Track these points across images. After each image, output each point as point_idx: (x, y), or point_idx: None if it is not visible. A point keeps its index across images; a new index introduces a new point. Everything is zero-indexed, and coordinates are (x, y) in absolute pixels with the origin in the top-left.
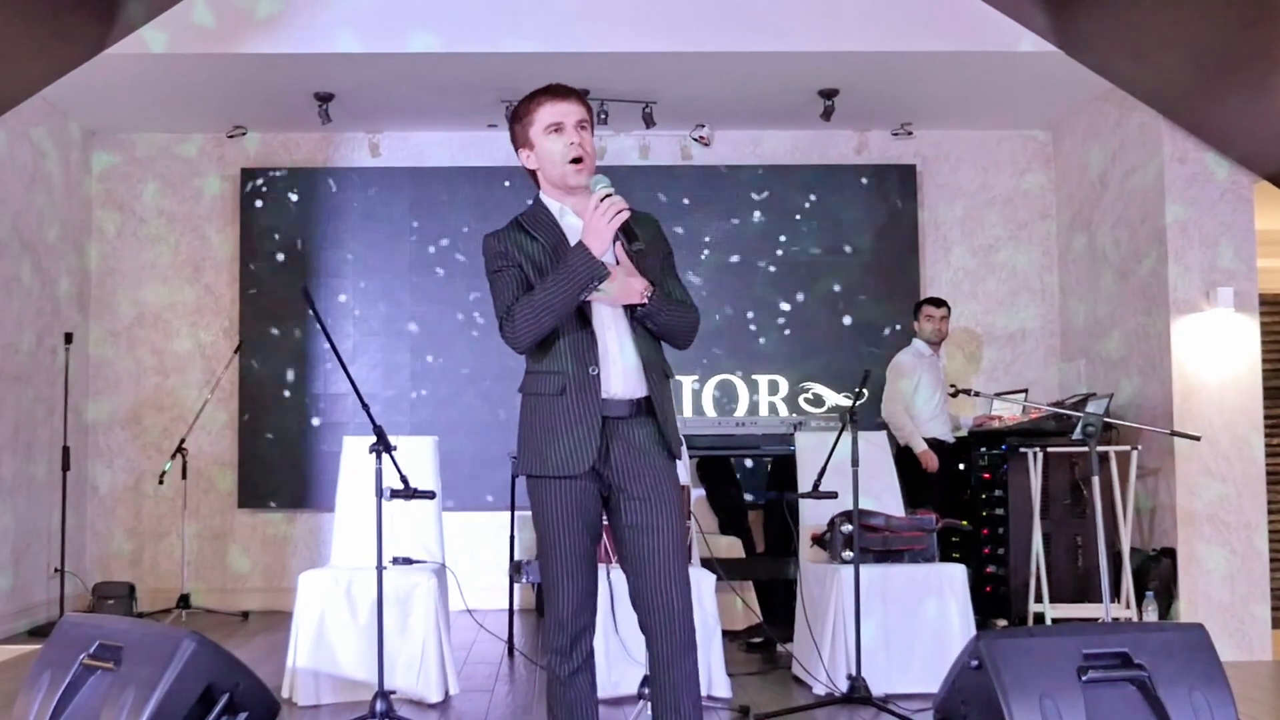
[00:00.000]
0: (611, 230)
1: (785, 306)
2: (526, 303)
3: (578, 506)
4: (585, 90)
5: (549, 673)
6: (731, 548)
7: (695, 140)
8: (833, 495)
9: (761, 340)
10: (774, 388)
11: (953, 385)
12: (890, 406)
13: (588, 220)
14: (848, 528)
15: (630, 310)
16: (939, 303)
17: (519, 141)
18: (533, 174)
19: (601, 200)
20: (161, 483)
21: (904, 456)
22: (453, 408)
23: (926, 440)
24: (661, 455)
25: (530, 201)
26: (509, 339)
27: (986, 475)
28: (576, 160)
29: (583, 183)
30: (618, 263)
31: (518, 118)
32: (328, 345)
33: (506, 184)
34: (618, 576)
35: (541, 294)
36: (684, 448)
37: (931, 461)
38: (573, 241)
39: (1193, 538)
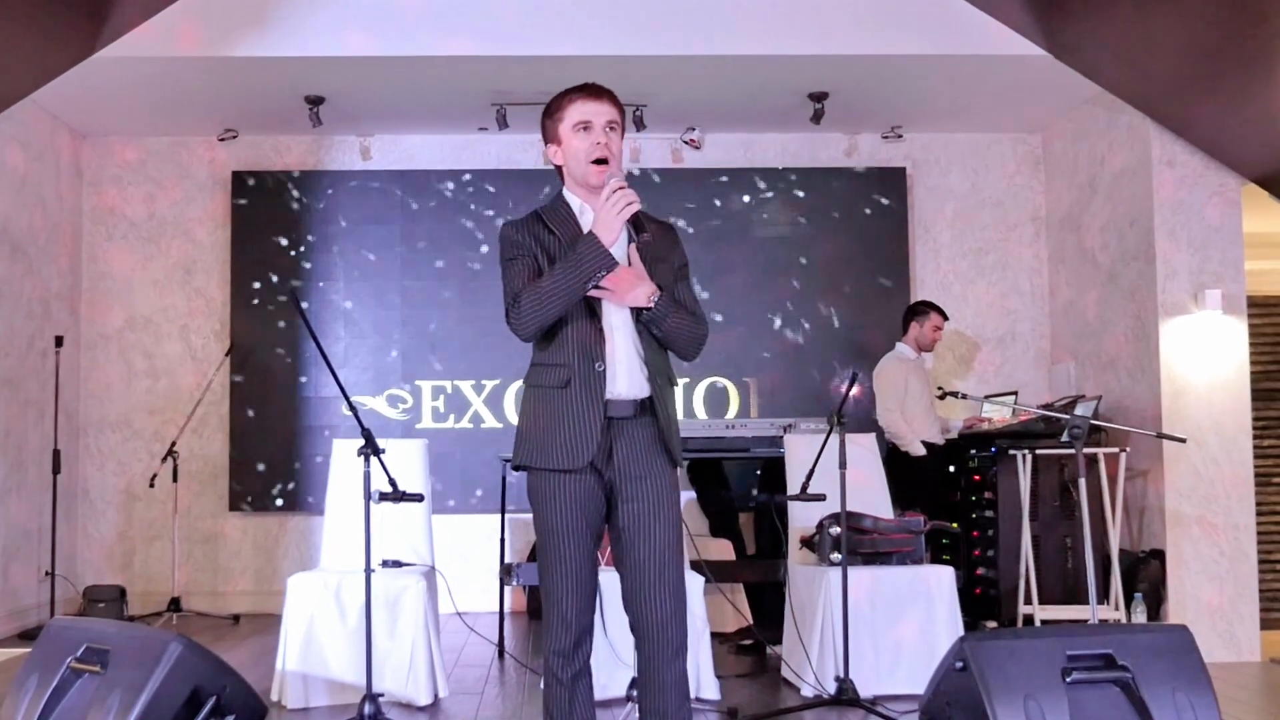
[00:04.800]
0: (621, 221)
1: (775, 309)
2: (533, 289)
3: (581, 504)
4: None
5: (549, 676)
6: (722, 550)
7: (686, 143)
8: (821, 497)
9: (752, 343)
10: (764, 390)
11: (940, 388)
12: (889, 416)
13: (598, 211)
14: (836, 530)
15: (636, 314)
16: (945, 315)
17: (548, 136)
18: (559, 169)
19: (614, 192)
20: (152, 486)
21: (893, 459)
22: (443, 410)
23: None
24: (663, 459)
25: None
26: (514, 325)
27: (976, 477)
28: (600, 161)
29: (604, 183)
30: (630, 264)
31: (549, 113)
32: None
33: (491, 189)
34: (607, 579)
35: (549, 281)
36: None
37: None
38: None
39: (1181, 539)
